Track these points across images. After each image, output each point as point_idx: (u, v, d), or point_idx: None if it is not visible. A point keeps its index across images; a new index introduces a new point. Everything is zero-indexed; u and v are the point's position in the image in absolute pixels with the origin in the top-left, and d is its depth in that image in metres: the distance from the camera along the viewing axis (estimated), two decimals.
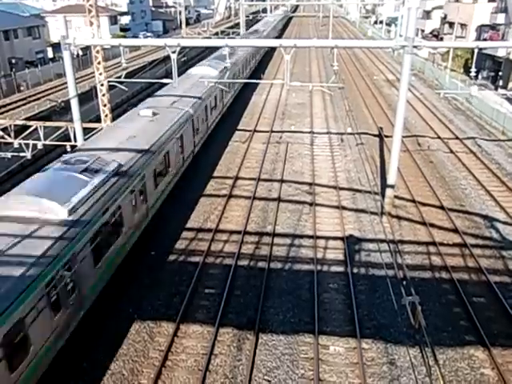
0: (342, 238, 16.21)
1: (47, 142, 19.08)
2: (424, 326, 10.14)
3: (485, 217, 17.86)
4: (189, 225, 17.33)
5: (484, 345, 11.49)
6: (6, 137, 19.20)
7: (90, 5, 21.18)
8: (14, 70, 38.63)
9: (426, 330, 11.13)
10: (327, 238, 16.21)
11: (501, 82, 40.87)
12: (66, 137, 19.75)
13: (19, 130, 20.02)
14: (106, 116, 23.33)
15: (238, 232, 16.62)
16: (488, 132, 28.65)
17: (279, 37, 72.03)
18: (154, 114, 18.33)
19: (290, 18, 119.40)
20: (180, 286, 13.78)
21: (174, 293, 13.49)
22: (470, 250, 15.46)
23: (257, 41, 23.39)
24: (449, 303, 13.11)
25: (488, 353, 11.28)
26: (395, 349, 11.46)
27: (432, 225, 17.12)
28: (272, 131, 28.22)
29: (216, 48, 36.71)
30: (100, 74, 22.52)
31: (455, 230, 16.74)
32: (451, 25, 55.82)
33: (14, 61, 42.18)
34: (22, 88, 35.81)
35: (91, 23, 21.58)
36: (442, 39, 58.27)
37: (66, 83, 18.73)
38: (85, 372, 10.79)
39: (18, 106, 31.05)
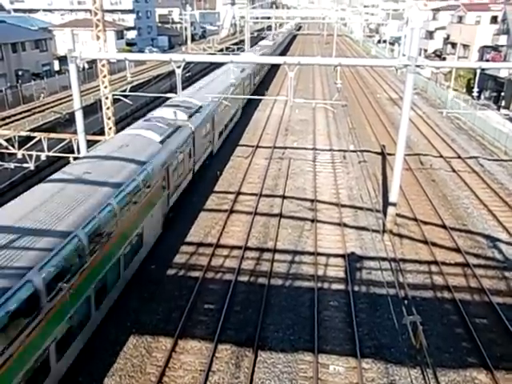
0: (343, 256, 16.10)
1: (50, 154, 19.14)
2: (425, 347, 9.97)
3: (487, 236, 17.75)
4: (189, 239, 17.25)
5: (487, 367, 11.29)
6: (10, 147, 19.29)
7: (98, 19, 21.48)
8: (20, 81, 39.02)
9: (427, 350, 10.95)
10: (328, 255, 16.10)
11: (503, 103, 41.11)
12: (69, 148, 19.83)
13: (23, 141, 20.11)
14: (110, 129, 23.45)
15: (239, 247, 16.54)
16: (490, 151, 28.68)
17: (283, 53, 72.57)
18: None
19: (294, 37, 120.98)
20: (179, 300, 13.66)
21: (172, 307, 13.36)
22: (472, 269, 15.33)
23: (261, 58, 23.64)
24: (451, 324, 12.94)
25: (491, 376, 11.08)
26: (396, 369, 11.27)
27: (434, 244, 17.01)
28: (275, 147, 28.29)
29: (220, 64, 37.13)
30: (105, 87, 22.71)
31: (457, 250, 16.63)
32: (454, 45, 56.44)
33: (20, 73, 42.63)
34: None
35: (98, 37, 21.83)
36: (444, 59, 58.86)
37: (71, 95, 18.89)
38: None
39: (23, 118, 31.23)
